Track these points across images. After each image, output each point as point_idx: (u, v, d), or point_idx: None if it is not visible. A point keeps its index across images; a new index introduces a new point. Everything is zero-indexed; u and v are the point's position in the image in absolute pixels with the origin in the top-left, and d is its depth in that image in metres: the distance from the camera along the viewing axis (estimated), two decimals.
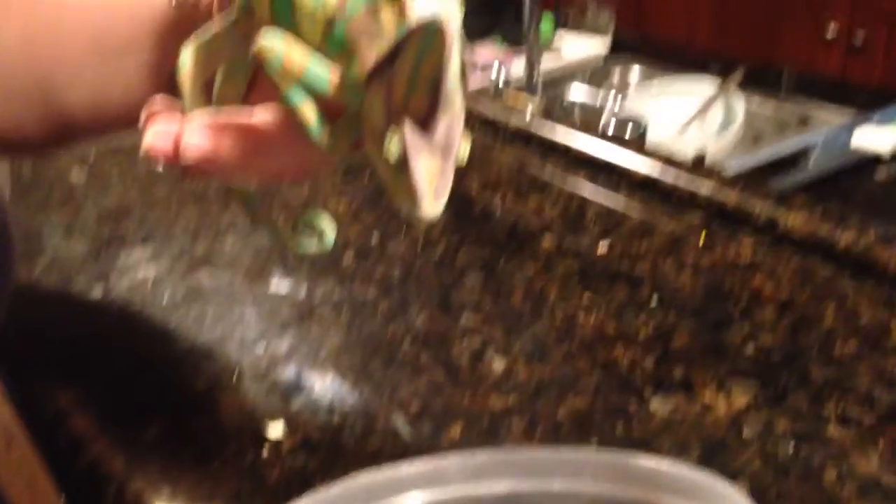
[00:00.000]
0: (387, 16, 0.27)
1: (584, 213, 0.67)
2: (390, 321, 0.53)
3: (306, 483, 0.42)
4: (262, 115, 0.32)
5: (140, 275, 0.60)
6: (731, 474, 0.40)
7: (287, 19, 0.29)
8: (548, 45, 1.40)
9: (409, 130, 0.27)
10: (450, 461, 0.32)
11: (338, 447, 0.43)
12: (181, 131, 0.31)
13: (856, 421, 0.43)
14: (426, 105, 0.27)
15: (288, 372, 0.49)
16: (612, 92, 1.15)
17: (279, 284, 0.58)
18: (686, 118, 1.20)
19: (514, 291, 0.55)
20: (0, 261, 0.34)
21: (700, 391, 0.46)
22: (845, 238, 0.59)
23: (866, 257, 0.58)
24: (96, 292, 0.58)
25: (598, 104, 1.13)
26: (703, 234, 0.63)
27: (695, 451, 0.42)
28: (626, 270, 0.58)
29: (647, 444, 0.42)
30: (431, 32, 0.26)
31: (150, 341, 0.53)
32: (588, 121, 1.21)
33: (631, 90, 1.26)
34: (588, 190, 0.71)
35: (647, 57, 1.42)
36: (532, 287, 0.56)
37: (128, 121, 0.40)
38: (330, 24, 0.28)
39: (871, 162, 1.07)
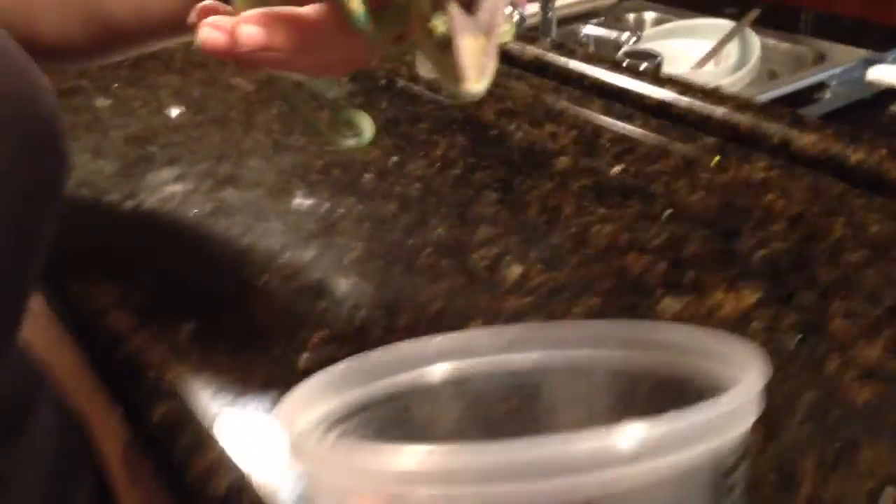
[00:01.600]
0: None
1: (598, 138, 0.68)
2: (410, 234, 0.55)
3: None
4: (312, 8, 0.34)
5: (167, 192, 0.62)
6: None
7: None
8: None
9: (453, 10, 0.28)
10: (480, 334, 0.34)
11: (364, 339, 0.45)
12: (235, 24, 0.33)
13: (860, 315, 0.45)
14: None
15: (313, 277, 0.51)
16: (627, 34, 1.15)
17: (301, 202, 0.60)
18: (701, 56, 1.20)
19: (529, 206, 0.57)
20: (56, 169, 0.36)
21: (710, 292, 0.47)
22: (856, 155, 0.60)
23: (877, 172, 0.59)
24: (128, 206, 0.61)
25: (613, 40, 1.14)
26: (717, 158, 0.64)
27: None
28: (639, 188, 0.59)
29: None
30: None
31: (181, 249, 0.55)
32: (603, 54, 1.21)
33: (646, 30, 1.26)
34: (602, 118, 0.72)
35: (660, 1, 1.41)
36: (547, 202, 0.58)
37: (172, 27, 0.42)
38: None
39: (886, 95, 1.07)
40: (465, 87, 0.28)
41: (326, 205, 0.59)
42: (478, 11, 0.29)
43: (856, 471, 0.35)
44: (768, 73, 1.23)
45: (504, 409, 0.33)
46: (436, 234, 0.55)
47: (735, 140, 0.66)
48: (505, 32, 0.30)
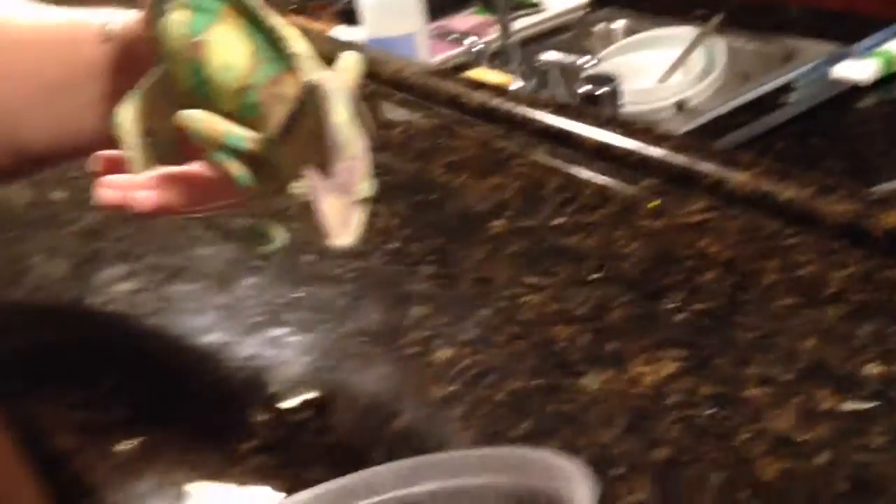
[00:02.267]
0: (288, 82, 0.33)
1: (542, 187, 0.69)
2: (343, 321, 0.56)
3: (263, 476, 0.45)
4: (197, 168, 0.38)
5: (115, 291, 0.63)
6: (653, 441, 0.43)
7: (203, 91, 0.35)
8: (528, 5, 1.40)
9: (311, 176, 0.32)
10: (380, 471, 0.36)
11: (295, 444, 0.46)
12: (129, 186, 0.38)
13: (773, 380, 0.45)
14: (321, 153, 0.32)
15: (249, 376, 0.52)
16: (587, 57, 1.15)
17: (244, 294, 0.61)
18: (667, 67, 1.20)
19: (461, 279, 0.58)
20: None
21: (631, 364, 0.48)
22: (787, 193, 0.60)
23: (807, 210, 0.59)
24: (78, 310, 0.62)
25: (575, 63, 1.14)
26: (655, 203, 0.65)
27: (621, 422, 0.44)
28: (572, 248, 0.60)
29: (575, 419, 0.45)
30: (312, 93, 0.31)
31: (125, 352, 0.57)
32: (558, 91, 1.22)
33: (610, 47, 1.26)
34: (550, 162, 0.72)
35: (629, 7, 1.41)
36: (479, 272, 0.58)
37: (84, 150, 0.44)
38: (242, 92, 0.34)
39: (852, 92, 1.07)
40: (332, 242, 0.32)
41: (266, 295, 0.60)
42: (335, 173, 0.32)
43: None
44: (739, 76, 1.23)
45: None
46: (369, 320, 0.56)
47: (673, 181, 0.66)
48: (364, 188, 0.33)
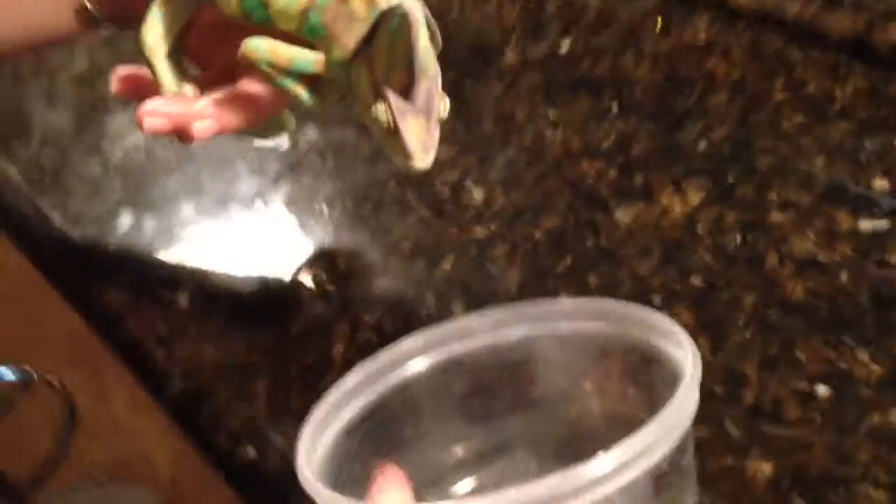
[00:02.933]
0: (356, 3, 0.32)
1: (543, 9, 0.69)
2: (373, 165, 0.58)
3: (325, 325, 0.48)
4: (253, 87, 0.37)
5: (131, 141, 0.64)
6: (687, 270, 0.47)
7: (260, 13, 0.34)
8: None
9: (393, 100, 0.32)
10: (470, 319, 0.39)
11: (347, 288, 0.49)
12: (183, 116, 0.36)
13: (794, 205, 0.48)
14: (405, 77, 0.32)
15: (288, 222, 0.54)
16: None
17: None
18: None
19: (483, 117, 0.59)
20: None
21: (658, 195, 0.51)
22: (792, 8, 0.61)
23: (812, 25, 0.60)
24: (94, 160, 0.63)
25: None
26: (659, 20, 0.65)
27: (656, 253, 0.48)
28: (586, 77, 0.61)
29: (614, 253, 0.48)
30: (398, 18, 0.31)
31: (155, 207, 0.58)
32: None
33: None
34: None
35: None
36: (500, 109, 0.60)
37: (59, 39, 0.43)
38: (304, 14, 0.33)
39: None
40: (412, 164, 0.33)
41: (287, 138, 0.61)
42: (415, 96, 0.32)
43: (792, 371, 0.41)
44: None
45: (498, 383, 0.38)
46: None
47: None
48: (442, 110, 0.34)
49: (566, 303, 0.37)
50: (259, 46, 0.34)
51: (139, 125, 0.36)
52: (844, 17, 0.59)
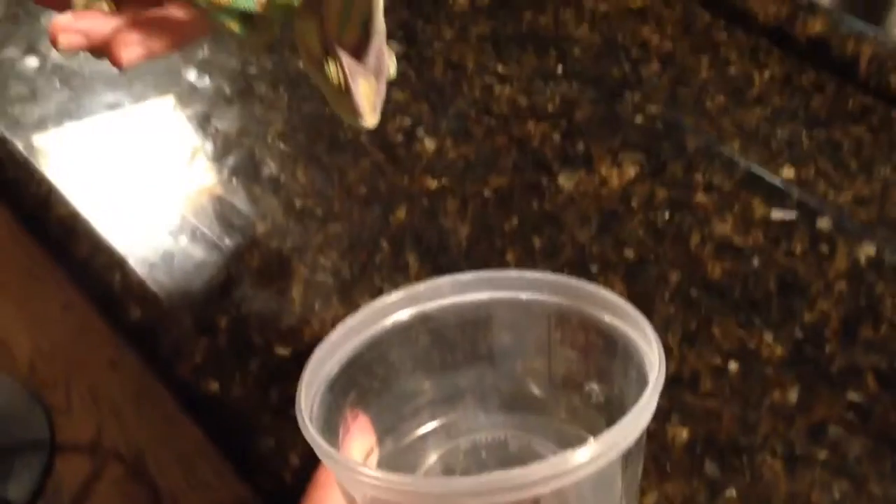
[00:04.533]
0: None
1: None
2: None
3: (283, 263, 0.51)
4: (180, 12, 0.35)
5: None
6: (622, 241, 0.52)
7: None
8: None
9: (346, 59, 0.32)
10: (441, 281, 0.42)
11: (306, 232, 0.52)
12: (104, 37, 0.34)
13: (718, 188, 0.54)
14: (358, 36, 0.32)
15: (241, 155, 0.55)
16: None
17: (214, 57, 0.61)
18: None
19: (434, 63, 0.61)
20: None
21: (598, 165, 0.55)
22: None
23: (741, 6, 0.65)
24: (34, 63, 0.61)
25: None
26: None
27: (594, 221, 0.53)
28: (532, 34, 0.64)
29: (557, 218, 0.53)
30: None
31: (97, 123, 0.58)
32: None
33: None
34: None
35: None
36: (450, 57, 0.62)
37: None
38: None
39: None
40: (361, 123, 0.34)
41: (237, 63, 0.61)
42: (367, 56, 0.33)
43: (709, 346, 0.47)
44: None
45: (461, 339, 0.42)
46: None
47: None
48: (390, 70, 0.35)
49: (529, 274, 0.42)
50: None
51: (52, 42, 0.34)
52: (770, 2, 0.64)
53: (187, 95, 0.59)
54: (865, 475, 0.42)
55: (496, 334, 0.43)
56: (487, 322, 0.43)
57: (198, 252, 0.51)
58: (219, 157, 0.56)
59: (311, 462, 0.41)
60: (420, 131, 0.57)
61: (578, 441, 0.34)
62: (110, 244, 0.52)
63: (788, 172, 0.56)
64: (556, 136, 0.57)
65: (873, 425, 0.44)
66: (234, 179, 0.55)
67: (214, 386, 0.46)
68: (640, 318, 0.38)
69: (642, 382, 0.37)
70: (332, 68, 0.32)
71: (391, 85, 0.60)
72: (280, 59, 0.62)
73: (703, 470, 0.42)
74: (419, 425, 0.44)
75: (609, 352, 0.40)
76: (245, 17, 0.34)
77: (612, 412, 0.39)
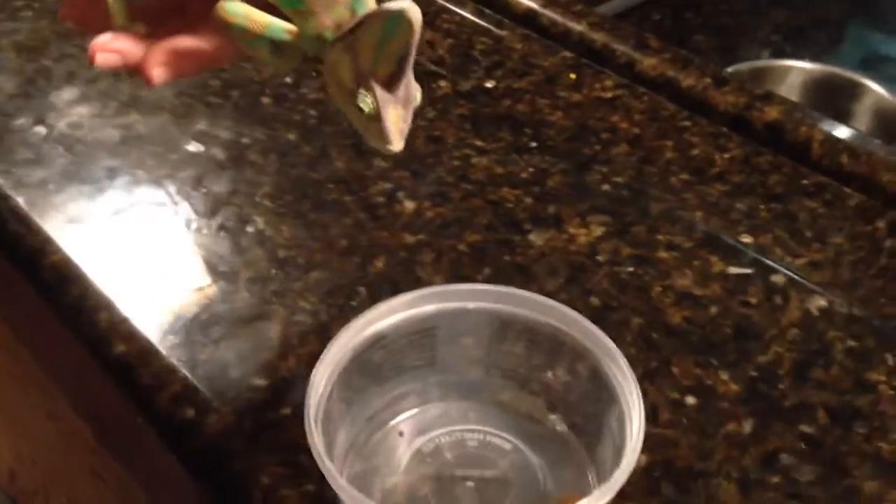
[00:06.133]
0: None
1: (471, 49, 0.76)
2: (313, 167, 0.63)
3: (263, 307, 0.53)
4: (211, 41, 0.38)
5: (75, 115, 0.66)
6: (588, 291, 0.55)
7: None
8: None
9: (379, 91, 0.35)
10: (395, 300, 0.45)
11: (288, 278, 0.54)
12: (140, 60, 0.37)
13: (678, 247, 0.57)
14: (391, 71, 0.35)
15: (230, 213, 0.59)
16: None
17: (207, 129, 0.66)
18: None
19: (416, 137, 0.66)
20: None
21: (567, 225, 0.59)
22: (687, 81, 0.71)
23: (702, 98, 0.70)
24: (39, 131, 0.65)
25: None
26: (573, 75, 0.74)
27: (563, 274, 0.56)
28: (509, 115, 0.69)
29: (527, 269, 0.56)
30: (398, 18, 0.33)
31: (94, 179, 0.61)
32: None
33: None
34: (476, 22, 0.79)
35: None
36: (432, 132, 0.66)
37: None
38: None
39: None
40: (389, 148, 0.37)
41: (230, 134, 0.65)
42: (397, 88, 0.36)
43: (668, 382, 0.49)
44: None
45: (410, 347, 0.45)
46: (336, 167, 0.63)
47: (589, 57, 0.76)
48: (417, 99, 0.38)
49: (475, 286, 0.45)
50: (237, 12, 0.35)
51: (90, 60, 0.36)
52: (729, 94, 0.70)
53: (182, 162, 0.63)
54: (817, 498, 0.43)
55: (440, 340, 0.46)
56: (434, 330, 0.46)
57: (182, 295, 0.54)
58: (208, 213, 0.59)
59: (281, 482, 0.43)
60: (400, 195, 0.61)
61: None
62: (98, 287, 0.54)
63: (747, 238, 0.59)
64: (529, 200, 0.61)
65: (825, 453, 0.45)
66: (222, 232, 0.58)
67: (191, 412, 0.48)
68: (581, 318, 0.41)
69: (592, 377, 0.40)
70: (367, 100, 0.35)
71: (374, 154, 0.64)
72: (272, 131, 0.66)
73: (661, 491, 0.43)
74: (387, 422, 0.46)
75: (557, 353, 0.43)
76: (275, 45, 0.37)
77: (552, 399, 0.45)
